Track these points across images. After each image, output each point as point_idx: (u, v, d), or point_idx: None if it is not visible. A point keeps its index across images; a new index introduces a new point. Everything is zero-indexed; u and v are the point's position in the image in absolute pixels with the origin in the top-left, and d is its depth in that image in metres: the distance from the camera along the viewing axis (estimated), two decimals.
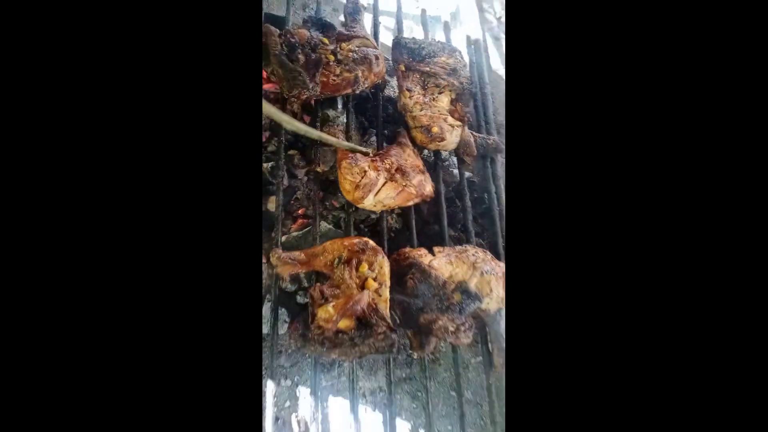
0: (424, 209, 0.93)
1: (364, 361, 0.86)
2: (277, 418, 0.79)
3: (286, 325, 0.79)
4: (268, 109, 0.69)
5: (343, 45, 0.83)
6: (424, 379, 0.75)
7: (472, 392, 0.92)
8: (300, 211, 0.88)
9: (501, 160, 0.98)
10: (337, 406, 0.82)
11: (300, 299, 0.82)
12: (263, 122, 0.87)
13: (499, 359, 0.76)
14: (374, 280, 0.69)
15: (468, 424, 0.89)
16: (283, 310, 0.79)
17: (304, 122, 0.93)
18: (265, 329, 0.77)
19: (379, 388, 0.86)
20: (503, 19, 1.22)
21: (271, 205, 0.85)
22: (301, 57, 0.78)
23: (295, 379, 0.82)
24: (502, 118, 1.07)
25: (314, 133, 0.77)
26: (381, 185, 0.74)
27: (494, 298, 0.76)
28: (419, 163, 0.83)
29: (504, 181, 0.93)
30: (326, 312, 0.63)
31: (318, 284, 0.67)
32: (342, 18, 0.92)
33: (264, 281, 0.81)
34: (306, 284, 0.83)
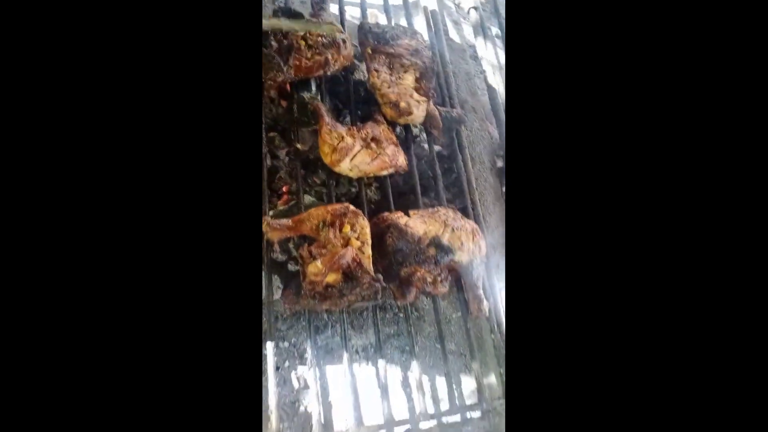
0: (399, 181, 1.01)
1: (354, 320, 0.93)
2: (277, 377, 0.85)
3: (280, 291, 0.85)
4: None
5: (312, 31, 0.90)
6: (410, 334, 0.83)
7: (455, 344, 1.00)
8: (284, 188, 0.95)
9: (465, 131, 1.06)
10: (333, 362, 0.90)
11: (291, 267, 0.89)
12: None
13: (475, 305, 0.85)
14: (356, 239, 0.77)
15: (453, 372, 0.98)
16: (275, 277, 0.86)
17: (282, 107, 1.00)
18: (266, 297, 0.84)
19: (369, 344, 0.94)
20: (461, 4, 1.30)
21: None
22: (274, 43, 0.85)
23: (292, 341, 0.89)
24: (464, 94, 1.16)
25: None
26: (357, 151, 0.82)
27: (465, 250, 0.85)
28: (392, 137, 0.91)
29: (470, 148, 1.02)
30: (315, 267, 0.71)
31: (306, 244, 0.74)
32: (309, 8, 0.99)
33: None
34: (295, 254, 0.90)
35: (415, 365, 0.80)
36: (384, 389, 0.79)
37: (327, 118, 0.85)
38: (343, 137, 0.83)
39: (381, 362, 0.82)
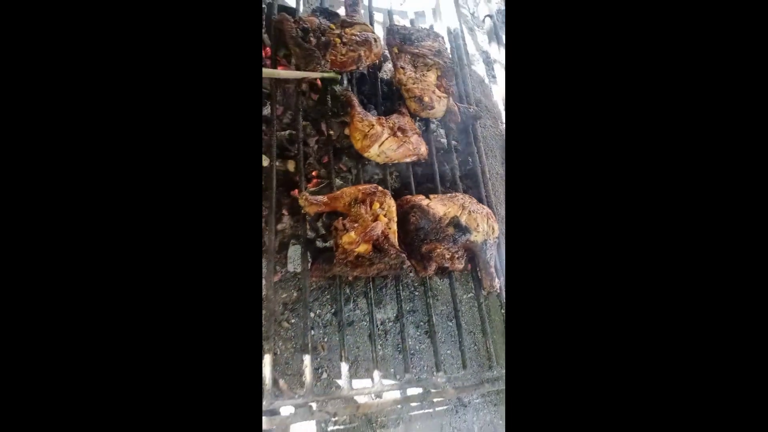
0: (418, 171, 1.10)
1: (375, 296, 1.01)
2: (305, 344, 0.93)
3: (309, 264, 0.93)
4: (266, 71, 0.86)
5: (347, 30, 0.99)
6: (427, 310, 0.90)
7: (466, 322, 1.08)
8: (314, 173, 1.03)
9: (480, 128, 1.15)
10: (354, 333, 0.97)
11: (319, 244, 0.97)
12: (278, 97, 1.02)
13: (487, 281, 0.93)
14: (384, 216, 0.85)
15: (465, 348, 1.05)
16: (307, 252, 0.94)
17: (312, 99, 1.09)
18: (298, 268, 0.92)
19: (388, 318, 1.01)
20: (476, 14, 1.40)
21: (291, 166, 0.99)
22: (313, 39, 0.94)
23: (317, 312, 0.97)
24: (478, 94, 1.25)
25: (298, 74, 0.93)
26: (385, 138, 0.91)
27: (481, 231, 0.93)
28: (416, 128, 1.00)
29: (483, 142, 1.11)
30: (349, 237, 0.79)
31: (341, 218, 0.82)
32: (342, 10, 1.09)
33: (289, 230, 0.95)
34: (323, 232, 0.98)
35: (428, 340, 0.88)
36: (401, 353, 0.87)
37: (358, 108, 0.93)
38: (373, 125, 0.92)
39: (397, 334, 0.90)
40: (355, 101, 0.94)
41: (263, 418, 0.69)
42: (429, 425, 0.93)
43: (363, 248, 0.80)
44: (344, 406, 0.75)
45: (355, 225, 0.81)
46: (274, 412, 0.71)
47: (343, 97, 0.97)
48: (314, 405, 0.73)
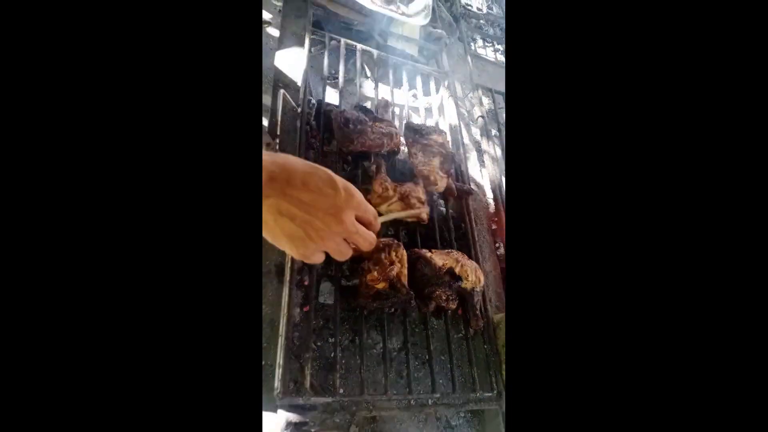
0: (423, 231, 1.39)
1: (387, 327, 1.24)
2: (329, 362, 1.14)
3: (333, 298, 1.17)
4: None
5: (377, 123, 1.34)
6: (424, 346, 1.13)
7: (456, 357, 1.30)
8: None
9: (471, 201, 1.47)
10: (368, 357, 1.19)
11: (343, 282, 1.22)
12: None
13: (474, 321, 1.18)
14: (398, 262, 1.12)
15: (456, 378, 1.27)
16: (332, 287, 1.19)
17: (345, 170, 1.41)
18: (329, 300, 1.17)
19: (393, 348, 1.23)
20: (472, 113, 1.80)
21: None
22: (352, 126, 1.28)
23: (339, 339, 1.19)
24: (472, 174, 1.59)
25: (403, 214, 1.20)
26: (394, 200, 1.21)
27: (470, 280, 1.20)
28: (423, 197, 1.31)
29: (474, 213, 1.42)
30: (372, 275, 1.05)
31: (366, 260, 1.09)
32: (374, 108, 1.45)
33: (321, 270, 1.21)
34: (347, 273, 1.24)
35: (425, 369, 1.11)
36: (404, 378, 1.09)
37: (383, 173, 1.24)
38: (387, 188, 1.22)
39: (402, 362, 1.12)
40: (383, 168, 1.26)
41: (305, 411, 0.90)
42: None
43: (381, 285, 1.06)
44: (362, 408, 0.96)
45: (377, 267, 1.08)
46: (314, 407, 0.92)
47: (374, 164, 1.28)
48: (339, 405, 0.94)
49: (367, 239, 0.65)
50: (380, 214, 1.12)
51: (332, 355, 1.13)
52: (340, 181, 0.58)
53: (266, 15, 2.15)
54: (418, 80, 1.70)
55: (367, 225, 0.65)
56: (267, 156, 0.53)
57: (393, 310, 1.16)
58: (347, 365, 1.13)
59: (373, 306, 1.06)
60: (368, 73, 1.83)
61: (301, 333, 1.09)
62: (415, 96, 1.78)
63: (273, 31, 2.11)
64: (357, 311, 1.14)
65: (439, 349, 1.28)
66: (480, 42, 2.23)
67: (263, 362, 0.97)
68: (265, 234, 0.58)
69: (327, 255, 0.65)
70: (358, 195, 0.62)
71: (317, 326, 1.19)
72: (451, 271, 1.17)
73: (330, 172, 0.59)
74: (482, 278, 1.23)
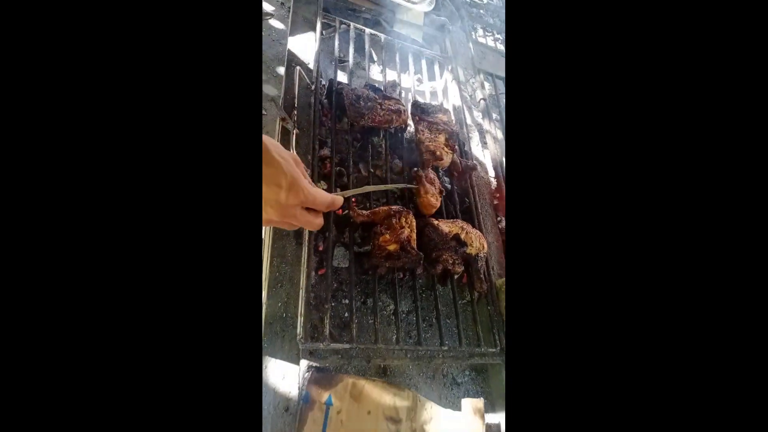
0: None
1: (394, 291, 1.33)
2: (342, 321, 1.22)
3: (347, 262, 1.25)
4: (359, 190, 1.15)
5: (386, 101, 1.42)
6: (432, 309, 1.22)
7: (462, 320, 1.38)
8: (353, 200, 1.39)
9: (475, 177, 1.55)
10: (379, 319, 1.27)
11: (356, 249, 1.30)
12: (334, 144, 1.41)
13: (477, 284, 1.26)
14: (408, 227, 1.20)
15: (462, 335, 1.35)
16: (346, 252, 1.26)
17: (354, 146, 1.48)
18: (343, 264, 1.24)
19: (402, 311, 1.31)
20: (474, 96, 1.88)
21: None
22: (362, 103, 1.36)
23: (353, 301, 1.27)
24: (475, 153, 1.67)
25: (379, 187, 1.29)
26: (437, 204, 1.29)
27: (474, 246, 1.28)
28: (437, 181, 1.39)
29: (477, 188, 1.50)
30: (384, 238, 1.13)
31: (378, 225, 1.17)
32: (383, 87, 1.53)
33: (334, 237, 1.29)
34: (359, 240, 1.31)
35: (432, 330, 1.19)
36: (414, 338, 1.17)
37: (426, 185, 1.30)
38: (437, 197, 1.30)
39: (412, 324, 1.20)
40: (424, 179, 1.32)
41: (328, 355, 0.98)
42: (430, 394, 1.20)
43: (393, 247, 1.14)
44: (377, 355, 1.04)
45: (388, 230, 1.16)
46: (333, 353, 1.00)
47: (415, 175, 1.34)
48: (356, 352, 1.02)
49: (313, 222, 0.78)
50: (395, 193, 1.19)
51: (346, 315, 1.21)
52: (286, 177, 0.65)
53: (268, 7, 2.22)
54: (423, 64, 1.77)
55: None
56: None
57: (403, 275, 1.24)
58: (360, 324, 1.21)
59: (385, 266, 1.14)
60: (375, 57, 1.91)
61: (318, 293, 1.17)
62: (419, 80, 1.86)
63: (276, 23, 2.19)
64: (369, 275, 1.22)
65: (446, 313, 1.36)
66: (480, 31, 2.31)
67: (284, 315, 1.05)
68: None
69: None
70: (304, 189, 0.70)
71: (332, 288, 1.26)
72: (456, 237, 1.25)
73: (284, 167, 0.64)
74: (485, 245, 1.31)
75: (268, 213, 0.66)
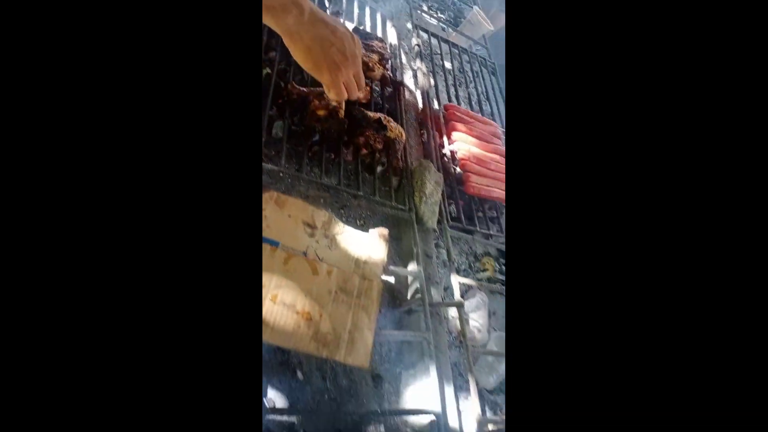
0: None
1: (324, 169, 1.56)
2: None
3: None
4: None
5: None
6: (356, 187, 1.47)
7: (378, 185, 1.64)
8: None
9: (402, 92, 1.85)
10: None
11: (293, 128, 1.53)
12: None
13: (395, 161, 1.52)
14: (336, 103, 1.45)
15: (377, 191, 1.59)
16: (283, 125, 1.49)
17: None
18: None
19: (332, 184, 1.55)
20: (410, 42, 2.21)
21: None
22: None
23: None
24: (408, 83, 1.98)
25: None
26: None
27: (394, 132, 1.55)
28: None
29: (404, 102, 1.80)
30: (316, 104, 1.38)
31: (313, 98, 1.42)
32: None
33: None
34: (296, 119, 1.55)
35: None
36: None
37: None
38: None
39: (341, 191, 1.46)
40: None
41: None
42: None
43: (322, 112, 1.39)
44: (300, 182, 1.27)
45: (321, 100, 1.41)
46: (265, 171, 1.22)
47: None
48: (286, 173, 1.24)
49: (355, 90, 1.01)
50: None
51: (280, 175, 1.43)
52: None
53: None
54: (367, 12, 2.09)
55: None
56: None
57: (333, 155, 1.48)
58: (289, 155, 1.42)
59: (317, 127, 1.39)
60: (327, 3, 2.21)
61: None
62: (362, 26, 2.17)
63: None
64: (301, 149, 1.45)
65: (368, 191, 1.61)
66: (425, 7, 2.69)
67: None
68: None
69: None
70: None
71: (269, 153, 1.49)
72: (378, 121, 1.53)
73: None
74: (404, 135, 1.59)
75: (323, 75, 0.91)
